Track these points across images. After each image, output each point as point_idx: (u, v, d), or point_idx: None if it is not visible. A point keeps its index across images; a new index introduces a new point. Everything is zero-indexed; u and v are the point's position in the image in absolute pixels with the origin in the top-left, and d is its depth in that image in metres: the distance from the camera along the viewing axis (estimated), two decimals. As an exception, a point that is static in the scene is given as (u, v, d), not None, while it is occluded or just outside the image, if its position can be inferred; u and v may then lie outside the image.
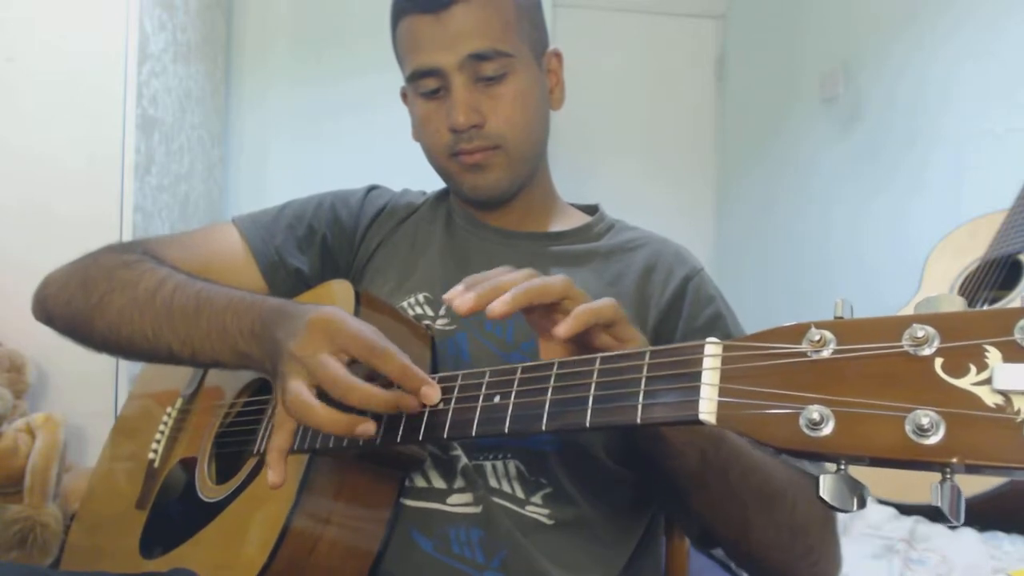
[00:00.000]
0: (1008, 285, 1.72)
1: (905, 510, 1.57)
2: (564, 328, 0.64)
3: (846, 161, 2.67)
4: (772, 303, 2.97)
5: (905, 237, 2.34)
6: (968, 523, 1.47)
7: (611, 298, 0.67)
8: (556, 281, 0.68)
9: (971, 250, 1.86)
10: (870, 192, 2.55)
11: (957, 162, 2.21)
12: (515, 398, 0.62)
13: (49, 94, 2.09)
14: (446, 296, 0.69)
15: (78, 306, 0.93)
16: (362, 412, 0.68)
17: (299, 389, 0.69)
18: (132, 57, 2.15)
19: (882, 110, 2.53)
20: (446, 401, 0.66)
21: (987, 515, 1.47)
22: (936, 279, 1.90)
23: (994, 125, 2.09)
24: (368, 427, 0.67)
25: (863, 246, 2.58)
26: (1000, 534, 1.47)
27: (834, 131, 2.75)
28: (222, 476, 0.94)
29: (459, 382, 0.67)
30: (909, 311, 1.53)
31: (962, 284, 1.82)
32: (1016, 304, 1.65)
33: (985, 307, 1.71)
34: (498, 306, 0.64)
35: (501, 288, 0.66)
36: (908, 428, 0.40)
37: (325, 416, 0.67)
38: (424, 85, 0.97)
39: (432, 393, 0.67)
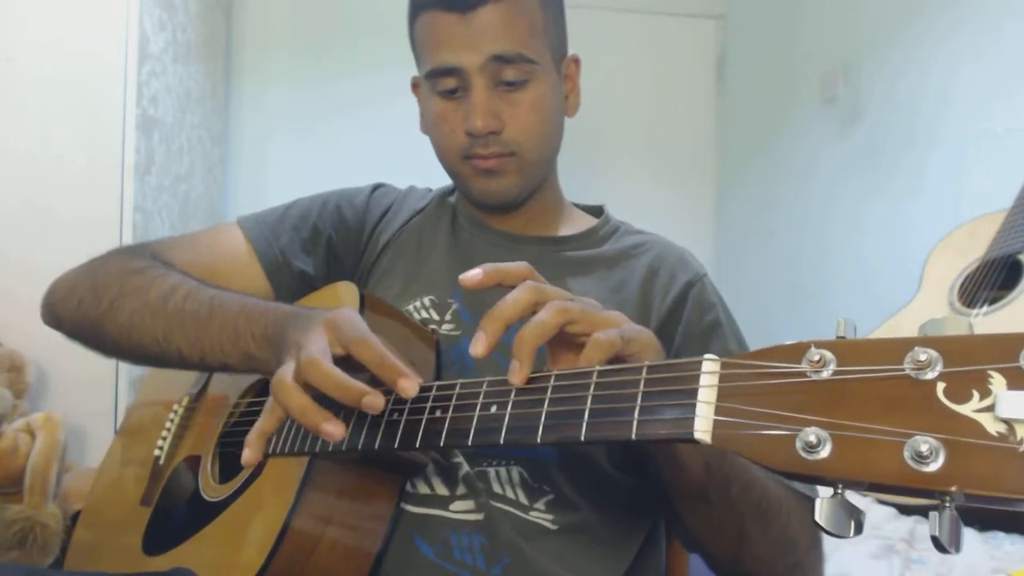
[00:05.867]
0: (1008, 285, 1.72)
1: (905, 510, 1.58)
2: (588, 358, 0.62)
3: (846, 161, 2.67)
4: (772, 303, 2.97)
5: (905, 237, 2.34)
6: (968, 523, 1.47)
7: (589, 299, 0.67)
8: (550, 318, 0.64)
9: (971, 250, 1.85)
10: (870, 192, 2.55)
11: (957, 162, 2.21)
12: (512, 408, 0.61)
13: (49, 94, 2.09)
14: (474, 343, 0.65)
15: (88, 311, 0.93)
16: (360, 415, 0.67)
17: (285, 370, 0.68)
18: (132, 57, 2.14)
19: (882, 110, 2.52)
20: (444, 409, 0.65)
21: (987, 515, 1.47)
22: (936, 279, 1.90)
23: (994, 125, 2.09)
24: (334, 428, 0.64)
25: (863, 246, 2.58)
26: (1000, 534, 1.47)
27: (834, 131, 2.74)
28: (225, 475, 0.94)
29: (457, 390, 0.66)
30: (909, 312, 1.52)
31: (962, 284, 1.82)
32: (1017, 303, 1.65)
33: (985, 307, 1.71)
34: (516, 378, 0.61)
35: (504, 318, 0.64)
36: (907, 454, 0.39)
37: (297, 402, 0.66)
38: (443, 84, 0.95)
39: (408, 385, 0.64)
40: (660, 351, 0.67)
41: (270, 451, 0.75)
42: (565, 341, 0.66)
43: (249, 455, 0.69)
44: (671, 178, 3.42)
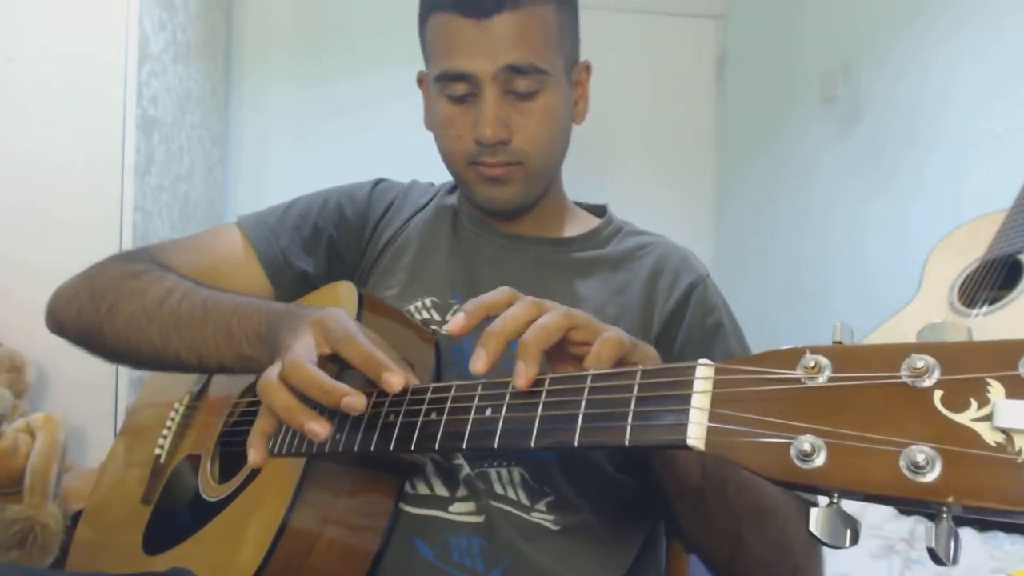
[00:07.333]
0: (1008, 285, 1.71)
1: (905, 510, 1.58)
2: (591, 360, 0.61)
3: (846, 161, 2.66)
4: (771, 303, 2.96)
5: (905, 237, 2.34)
6: (968, 523, 1.47)
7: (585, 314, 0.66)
8: (556, 320, 0.63)
9: (971, 250, 1.85)
10: (870, 192, 2.54)
11: (957, 162, 2.20)
12: (506, 412, 0.61)
13: (49, 94, 2.09)
14: (450, 327, 0.66)
15: (88, 317, 0.94)
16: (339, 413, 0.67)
17: (271, 371, 0.68)
18: (132, 57, 2.14)
19: (882, 110, 2.52)
20: (439, 411, 0.65)
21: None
22: (936, 279, 1.89)
23: (994, 125, 2.09)
24: (318, 427, 0.64)
25: (863, 246, 2.57)
26: (1000, 534, 1.47)
27: (834, 131, 2.74)
28: (224, 475, 0.94)
29: (452, 393, 0.66)
30: (909, 312, 1.51)
31: (962, 284, 1.81)
32: (1017, 303, 1.65)
33: (985, 307, 1.71)
34: (522, 380, 0.60)
35: (506, 333, 0.63)
36: (903, 464, 0.38)
37: (281, 401, 0.66)
38: (453, 88, 0.94)
39: (394, 380, 0.65)
40: (660, 363, 0.67)
41: (271, 452, 0.75)
42: (562, 352, 0.66)
43: (255, 456, 0.69)
44: (671, 178, 3.41)
